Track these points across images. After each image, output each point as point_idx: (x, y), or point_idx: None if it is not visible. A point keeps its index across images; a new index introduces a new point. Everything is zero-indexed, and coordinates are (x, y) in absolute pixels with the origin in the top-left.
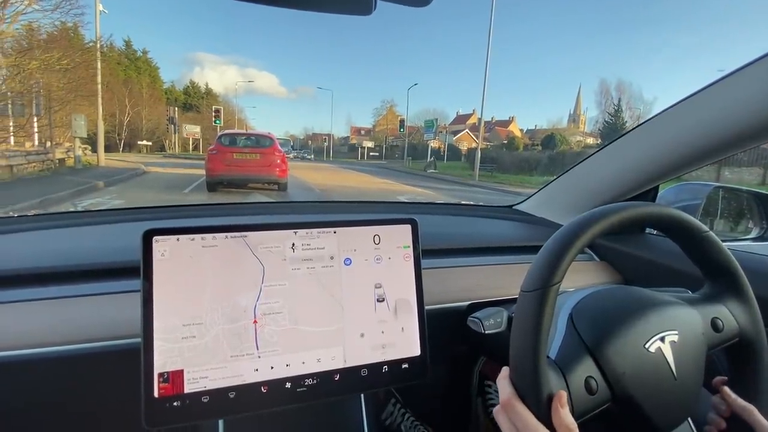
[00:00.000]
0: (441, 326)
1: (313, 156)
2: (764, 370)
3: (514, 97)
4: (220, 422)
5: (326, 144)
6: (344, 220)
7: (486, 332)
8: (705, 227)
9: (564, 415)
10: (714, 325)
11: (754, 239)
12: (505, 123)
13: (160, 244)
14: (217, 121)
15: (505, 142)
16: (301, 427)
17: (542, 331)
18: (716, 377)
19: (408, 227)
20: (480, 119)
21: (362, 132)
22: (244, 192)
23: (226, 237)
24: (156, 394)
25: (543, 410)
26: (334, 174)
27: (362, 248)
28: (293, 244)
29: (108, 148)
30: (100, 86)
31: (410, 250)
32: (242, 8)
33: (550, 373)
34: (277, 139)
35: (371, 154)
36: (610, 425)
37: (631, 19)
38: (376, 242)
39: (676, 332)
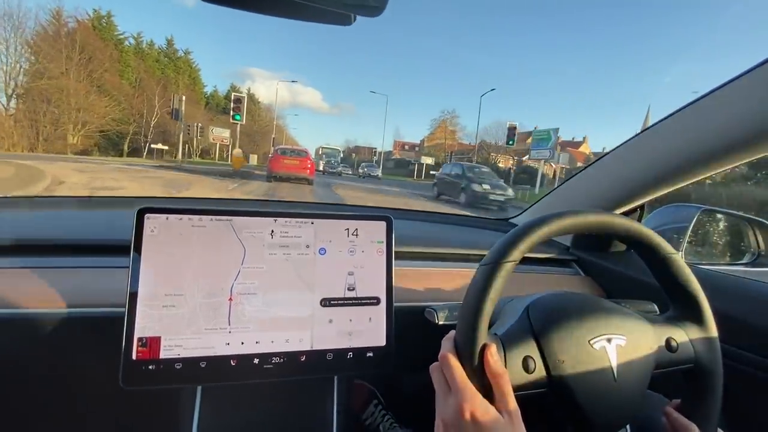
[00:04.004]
0: (419, 325)
1: (379, 174)
2: (716, 402)
3: (580, 117)
4: (197, 402)
5: (375, 159)
6: (322, 212)
7: (439, 323)
8: (671, 249)
9: (493, 363)
10: (668, 345)
11: (746, 264)
12: (576, 144)
13: (151, 221)
14: (237, 117)
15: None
16: (273, 414)
17: (487, 296)
18: (672, 400)
19: (383, 224)
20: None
21: (406, 147)
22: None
23: (212, 219)
24: (134, 357)
25: (476, 365)
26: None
27: (337, 240)
28: (272, 231)
29: (135, 152)
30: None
31: (383, 246)
32: (292, 26)
33: (489, 339)
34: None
35: (432, 172)
36: (552, 423)
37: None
38: (352, 235)
39: (624, 338)
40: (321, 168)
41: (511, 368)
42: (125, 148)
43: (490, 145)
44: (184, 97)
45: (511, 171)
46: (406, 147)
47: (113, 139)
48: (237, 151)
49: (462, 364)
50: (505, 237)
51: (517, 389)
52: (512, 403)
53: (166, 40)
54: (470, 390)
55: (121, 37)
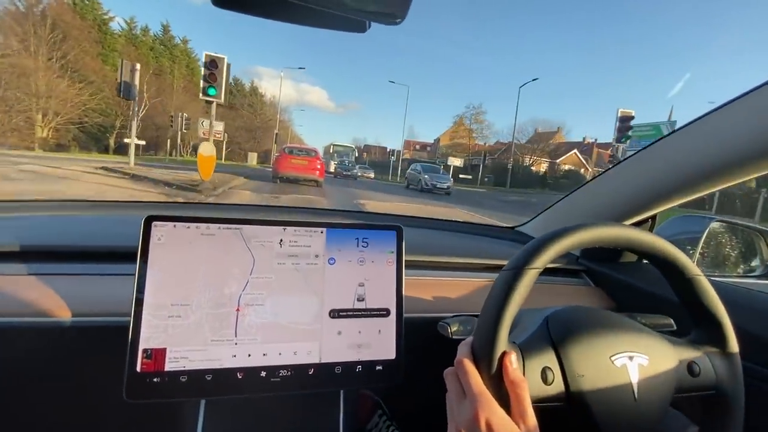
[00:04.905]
0: (426, 336)
1: (450, 184)
2: (736, 429)
3: (599, 116)
4: (201, 413)
5: (392, 158)
6: (332, 222)
7: (453, 338)
8: (697, 270)
9: (512, 371)
10: (690, 369)
11: (759, 277)
12: (606, 146)
13: (158, 229)
14: (212, 91)
15: None
16: (278, 426)
17: (509, 302)
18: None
19: (393, 234)
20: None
21: (417, 147)
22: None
23: (220, 228)
24: (138, 369)
25: (494, 372)
26: None
27: (347, 249)
28: (281, 240)
29: (122, 148)
30: None
31: (393, 256)
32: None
33: (508, 347)
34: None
35: (461, 176)
36: None
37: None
38: (362, 245)
39: (647, 358)
40: (332, 170)
41: (530, 378)
42: (111, 143)
43: (525, 146)
44: (138, 66)
45: (546, 175)
46: (418, 147)
47: (94, 134)
48: (204, 146)
49: (479, 371)
50: (530, 244)
51: (534, 401)
52: (531, 415)
53: (161, 26)
54: (487, 397)
55: (106, 17)
